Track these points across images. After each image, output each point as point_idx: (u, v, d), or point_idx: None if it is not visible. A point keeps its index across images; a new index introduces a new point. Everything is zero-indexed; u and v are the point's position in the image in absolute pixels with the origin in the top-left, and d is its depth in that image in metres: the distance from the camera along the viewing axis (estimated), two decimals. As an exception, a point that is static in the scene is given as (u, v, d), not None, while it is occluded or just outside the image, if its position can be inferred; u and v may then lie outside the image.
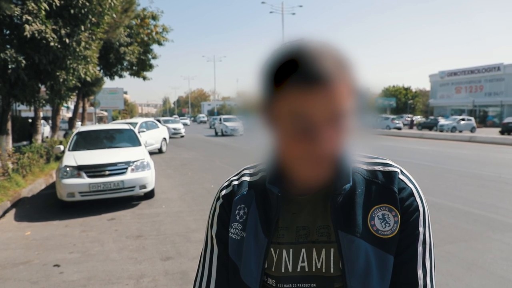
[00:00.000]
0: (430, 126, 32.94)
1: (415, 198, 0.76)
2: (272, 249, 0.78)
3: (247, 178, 0.86)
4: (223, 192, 0.87)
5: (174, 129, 25.78)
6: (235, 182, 0.87)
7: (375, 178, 0.77)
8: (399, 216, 0.74)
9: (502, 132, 25.87)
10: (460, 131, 29.05)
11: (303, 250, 0.77)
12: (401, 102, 55.47)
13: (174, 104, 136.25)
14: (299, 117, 0.64)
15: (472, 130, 29.85)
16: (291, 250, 0.77)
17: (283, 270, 0.77)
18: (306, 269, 0.76)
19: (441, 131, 29.34)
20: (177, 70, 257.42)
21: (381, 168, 0.79)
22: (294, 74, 0.62)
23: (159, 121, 24.57)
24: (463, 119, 31.10)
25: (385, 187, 0.76)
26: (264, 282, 0.80)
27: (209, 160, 12.93)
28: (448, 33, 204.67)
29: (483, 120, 43.16)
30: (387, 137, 22.40)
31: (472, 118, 32.74)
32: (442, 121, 32.42)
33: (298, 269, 0.77)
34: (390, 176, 0.77)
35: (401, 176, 0.77)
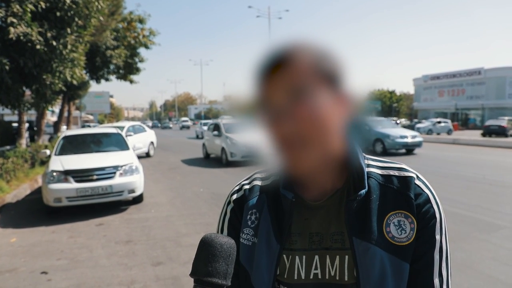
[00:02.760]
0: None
1: (431, 205, 0.74)
2: (284, 256, 0.76)
3: (258, 183, 0.85)
4: (234, 197, 0.85)
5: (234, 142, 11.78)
6: (247, 187, 0.85)
7: (391, 183, 0.75)
8: (416, 223, 0.72)
9: (483, 135, 26.46)
10: (438, 134, 29.80)
11: (316, 257, 0.75)
12: (386, 105, 56.26)
13: (160, 107, 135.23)
14: (265, 102, 0.68)
15: (449, 132, 30.59)
16: (304, 256, 0.76)
17: (295, 277, 0.75)
18: (319, 277, 0.74)
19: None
20: (164, 73, 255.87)
21: (396, 173, 0.77)
22: (261, 65, 0.68)
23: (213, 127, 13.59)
24: (439, 122, 31.84)
25: (401, 192, 0.74)
26: None
27: (197, 164, 12.86)
28: (431, 34, 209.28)
29: (465, 123, 44.13)
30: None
31: (449, 121, 33.48)
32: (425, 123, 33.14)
33: (311, 277, 0.75)
34: (406, 181, 0.75)
35: (417, 182, 0.75)
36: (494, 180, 8.66)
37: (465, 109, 46.14)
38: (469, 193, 7.38)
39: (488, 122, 28.07)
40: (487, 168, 10.60)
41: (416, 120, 41.14)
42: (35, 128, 17.09)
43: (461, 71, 46.88)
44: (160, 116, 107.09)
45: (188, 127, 51.07)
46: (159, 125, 74.66)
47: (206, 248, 0.63)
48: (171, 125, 60.69)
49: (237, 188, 0.87)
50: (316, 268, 0.75)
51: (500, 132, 25.40)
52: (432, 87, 50.66)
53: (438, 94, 49.62)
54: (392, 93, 58.82)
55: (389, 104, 57.02)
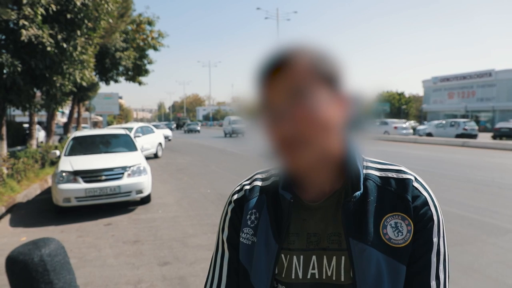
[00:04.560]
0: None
1: (429, 207, 0.74)
2: (282, 255, 0.78)
3: (258, 183, 0.87)
4: (235, 197, 0.87)
5: None
6: (247, 187, 0.87)
7: (388, 185, 0.76)
8: (413, 225, 0.73)
9: (494, 137, 26.13)
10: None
11: (314, 257, 0.76)
12: (394, 107, 55.90)
13: (169, 109, 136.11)
14: (265, 103, 0.70)
15: None
16: (301, 256, 0.77)
17: (293, 277, 0.77)
18: (317, 276, 0.76)
19: (420, 135, 30.01)
20: (172, 75, 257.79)
21: (394, 175, 0.77)
22: (261, 68, 0.70)
23: None
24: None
25: (398, 195, 0.75)
26: None
27: (204, 165, 12.92)
28: (442, 37, 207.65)
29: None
30: (380, 141, 22.51)
31: None
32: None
33: (309, 276, 0.76)
34: (404, 183, 0.76)
35: (415, 184, 0.76)
36: (503, 183, 8.55)
37: (475, 111, 45.61)
38: (478, 196, 7.30)
39: (499, 125, 27.72)
40: (497, 171, 10.48)
41: (426, 122, 40.80)
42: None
43: (472, 73, 46.39)
44: (179, 116, 79.93)
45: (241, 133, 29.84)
46: (173, 126, 54.61)
47: (14, 279, 0.55)
48: (198, 128, 42.87)
49: (238, 188, 0.89)
50: (313, 268, 0.76)
51: (511, 134, 25.08)
52: (441, 89, 50.21)
53: (448, 96, 49.16)
54: (401, 95, 58.45)
55: (398, 106, 56.64)
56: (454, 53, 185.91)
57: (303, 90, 0.67)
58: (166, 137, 25.71)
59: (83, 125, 36.47)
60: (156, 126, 27.01)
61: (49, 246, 0.58)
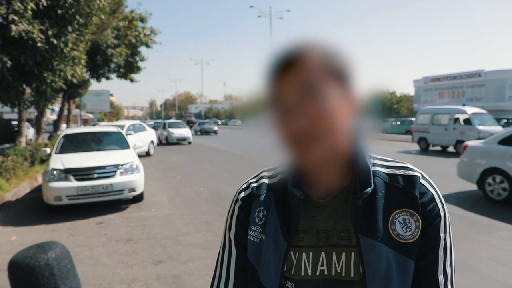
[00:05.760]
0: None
1: (436, 203, 0.76)
2: (291, 252, 0.78)
3: (266, 181, 0.86)
4: (242, 195, 0.87)
5: None
6: (254, 185, 0.86)
7: (396, 182, 0.77)
8: (421, 221, 0.74)
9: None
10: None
11: (323, 254, 0.76)
12: (386, 106, 56.32)
13: (160, 107, 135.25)
14: (276, 99, 0.70)
15: None
16: (310, 253, 0.77)
17: (302, 274, 0.77)
18: (326, 273, 0.76)
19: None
20: (164, 72, 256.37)
21: (401, 172, 0.79)
22: (273, 64, 0.70)
23: None
24: None
25: (406, 191, 0.76)
26: (283, 286, 0.79)
27: (197, 163, 12.87)
28: (433, 36, 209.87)
29: (465, 125, 44.17)
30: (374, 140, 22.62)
31: None
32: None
33: (318, 273, 0.76)
34: (411, 180, 0.77)
35: (422, 181, 0.77)
36: (493, 182, 8.66)
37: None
38: (467, 194, 7.40)
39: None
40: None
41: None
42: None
43: (462, 73, 46.97)
44: (152, 116, 62.34)
45: None
46: (165, 127, 37.57)
47: (18, 284, 0.53)
48: (216, 128, 33.58)
49: (244, 186, 0.89)
50: (322, 265, 0.76)
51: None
52: (432, 88, 50.73)
53: (438, 96, 49.69)
54: (392, 94, 58.92)
55: (389, 105, 57.09)
56: (445, 51, 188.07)
57: (314, 87, 0.67)
58: (184, 139, 21.70)
59: (102, 122, 35.21)
60: (172, 125, 22.87)
61: (55, 250, 0.56)
